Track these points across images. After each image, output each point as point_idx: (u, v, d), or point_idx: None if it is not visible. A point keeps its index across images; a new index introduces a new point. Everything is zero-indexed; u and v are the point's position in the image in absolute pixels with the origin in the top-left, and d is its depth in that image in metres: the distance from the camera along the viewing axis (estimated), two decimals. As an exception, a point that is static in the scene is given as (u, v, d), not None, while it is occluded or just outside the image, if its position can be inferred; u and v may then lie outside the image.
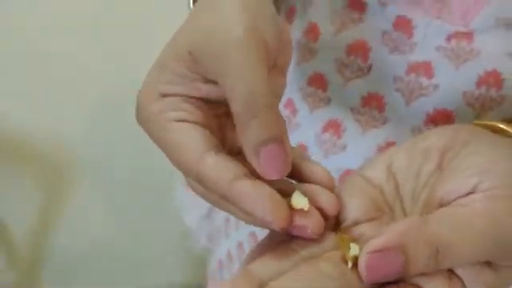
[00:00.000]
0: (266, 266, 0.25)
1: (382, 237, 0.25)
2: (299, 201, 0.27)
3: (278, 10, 0.47)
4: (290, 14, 0.48)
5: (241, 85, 0.26)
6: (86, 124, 1.21)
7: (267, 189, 0.26)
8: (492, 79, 0.41)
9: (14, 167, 1.27)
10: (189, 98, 0.29)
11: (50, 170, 1.29)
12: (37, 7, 1.13)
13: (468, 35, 0.40)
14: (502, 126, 0.32)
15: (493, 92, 0.41)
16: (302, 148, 0.48)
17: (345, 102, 0.44)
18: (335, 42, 0.44)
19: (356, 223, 0.29)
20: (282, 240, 0.27)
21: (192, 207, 0.60)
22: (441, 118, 0.41)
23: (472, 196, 0.27)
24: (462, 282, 0.26)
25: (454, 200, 0.27)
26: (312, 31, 0.45)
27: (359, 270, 0.25)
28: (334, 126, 0.46)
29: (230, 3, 0.29)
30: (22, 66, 1.17)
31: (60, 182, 1.31)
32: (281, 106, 0.49)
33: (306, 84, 0.46)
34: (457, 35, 0.40)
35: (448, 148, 0.29)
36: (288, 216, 0.26)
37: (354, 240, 0.27)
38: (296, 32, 0.47)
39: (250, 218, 0.27)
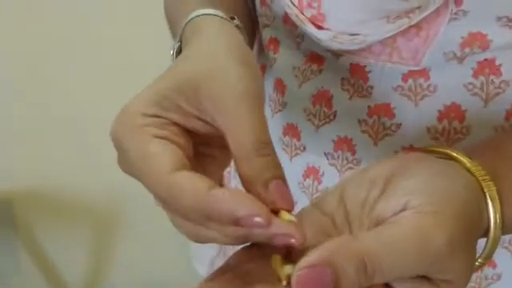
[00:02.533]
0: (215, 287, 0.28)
1: (312, 254, 0.25)
2: (287, 215, 0.29)
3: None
4: (262, 71, 0.51)
5: (250, 133, 0.30)
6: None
7: (245, 192, 0.28)
8: (453, 113, 0.42)
9: (66, 219, 1.35)
10: (177, 124, 0.31)
11: (99, 220, 1.36)
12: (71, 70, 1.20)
13: (423, 73, 0.41)
14: (453, 153, 0.33)
15: (456, 124, 0.42)
16: None
17: (319, 148, 0.47)
18: (300, 93, 0.46)
19: (306, 248, 0.30)
20: (236, 266, 0.29)
21: (202, 255, 0.63)
22: None
23: (402, 213, 0.28)
24: None
25: (388, 219, 0.29)
26: (279, 86, 0.48)
27: (291, 286, 0.25)
28: (313, 172, 0.48)
29: (225, 53, 0.32)
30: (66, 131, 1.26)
31: (109, 231, 1.37)
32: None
33: (282, 134, 0.49)
34: (412, 74, 0.42)
35: (391, 175, 0.31)
36: (269, 213, 0.27)
37: (294, 262, 0.28)
38: (267, 87, 0.50)
39: (230, 229, 0.28)
